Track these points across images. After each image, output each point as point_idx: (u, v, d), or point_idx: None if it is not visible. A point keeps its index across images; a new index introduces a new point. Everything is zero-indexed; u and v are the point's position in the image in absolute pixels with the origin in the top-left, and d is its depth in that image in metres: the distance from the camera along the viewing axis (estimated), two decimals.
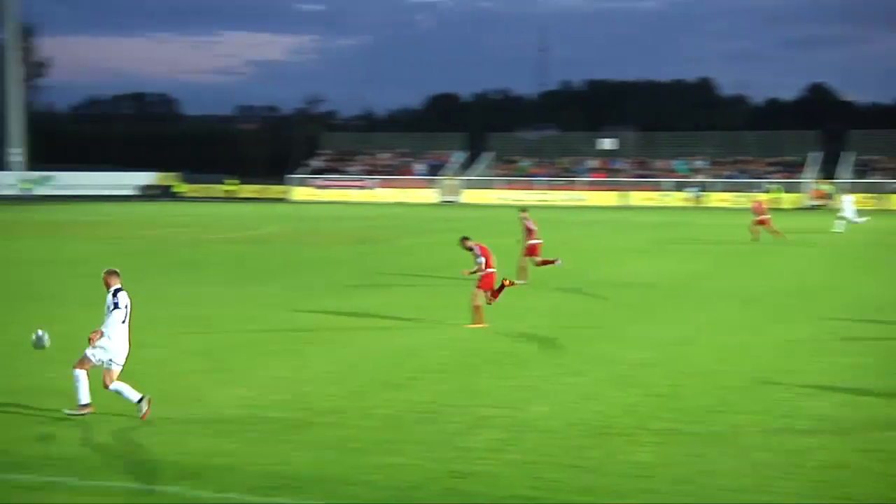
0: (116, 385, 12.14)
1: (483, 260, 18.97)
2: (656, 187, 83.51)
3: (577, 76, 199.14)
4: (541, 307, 22.04)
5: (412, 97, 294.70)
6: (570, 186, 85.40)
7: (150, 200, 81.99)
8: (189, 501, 9.36)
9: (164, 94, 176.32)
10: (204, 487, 9.66)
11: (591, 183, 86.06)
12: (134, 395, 12.10)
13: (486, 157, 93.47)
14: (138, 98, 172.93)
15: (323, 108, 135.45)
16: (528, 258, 26.26)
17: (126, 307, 12.14)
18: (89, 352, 12.12)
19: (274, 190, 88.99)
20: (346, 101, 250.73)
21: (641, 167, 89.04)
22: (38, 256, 32.74)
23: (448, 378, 14.61)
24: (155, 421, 12.00)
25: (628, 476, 10.14)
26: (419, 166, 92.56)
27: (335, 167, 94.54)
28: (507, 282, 19.71)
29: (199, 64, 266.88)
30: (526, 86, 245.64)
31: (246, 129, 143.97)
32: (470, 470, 10.30)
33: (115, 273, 12.45)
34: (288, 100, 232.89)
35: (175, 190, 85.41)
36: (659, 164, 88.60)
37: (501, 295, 19.41)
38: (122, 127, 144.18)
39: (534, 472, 10.27)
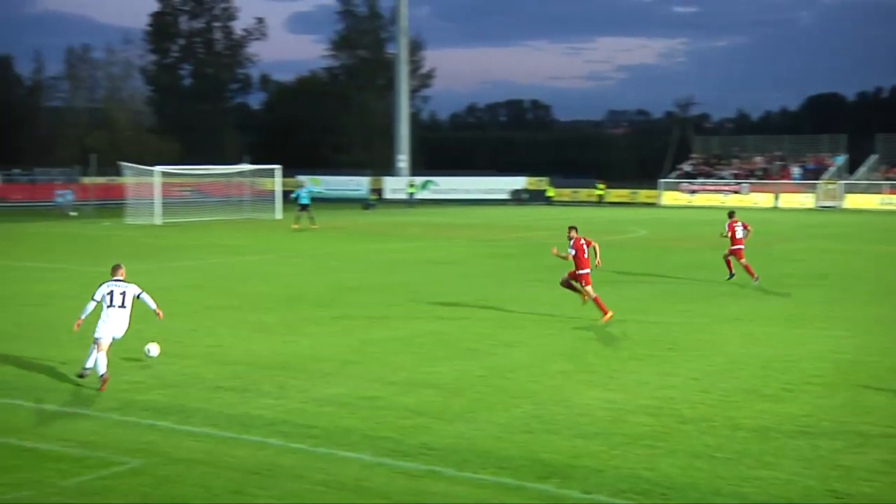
0: (100, 355, 13.84)
1: (572, 252, 19.93)
2: None
3: None
4: None
5: (789, 98, 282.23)
6: None
7: (522, 204, 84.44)
8: (556, 500, 9.43)
9: (537, 100, 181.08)
10: (570, 487, 9.70)
11: None
12: (102, 369, 13.74)
13: (871, 160, 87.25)
14: (513, 105, 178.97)
15: (694, 111, 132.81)
16: (732, 257, 26.91)
17: (106, 294, 14.38)
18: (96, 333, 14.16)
19: (643, 194, 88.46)
20: (717, 103, 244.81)
21: None
22: (420, 257, 34.68)
23: (828, 392, 13.70)
24: (523, 419, 12.24)
25: None
26: (795, 170, 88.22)
27: (706, 171, 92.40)
28: (584, 298, 20.41)
29: (571, 70, 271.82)
30: None
31: (616, 134, 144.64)
32: (853, 491, 9.56)
33: (118, 267, 14.94)
34: (658, 103, 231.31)
35: (548, 194, 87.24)
36: None
37: (575, 291, 20.51)
38: (497, 133, 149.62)
39: None
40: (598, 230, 49.92)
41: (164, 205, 55.68)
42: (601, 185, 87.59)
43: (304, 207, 49.50)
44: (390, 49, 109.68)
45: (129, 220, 53.36)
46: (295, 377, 14.46)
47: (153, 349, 15.38)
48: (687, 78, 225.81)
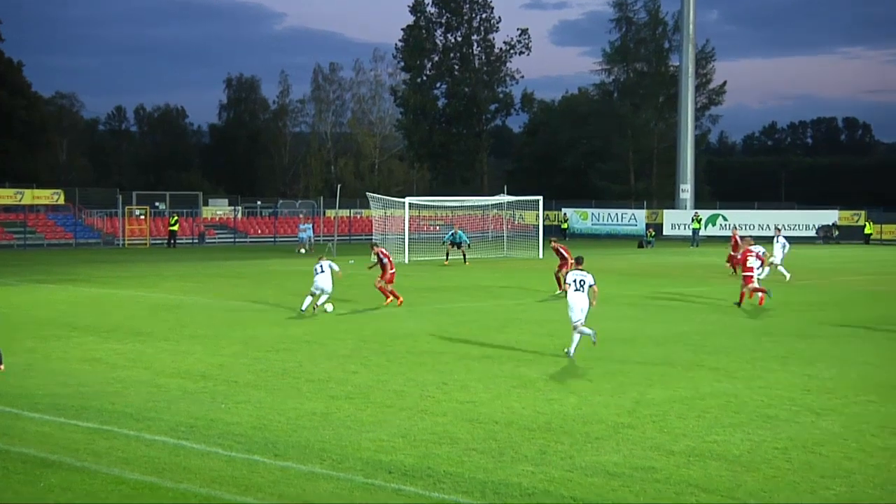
0: (307, 299, 29.17)
1: (386, 261, 33.15)
2: None
3: None
4: None
5: None
6: None
7: (832, 243, 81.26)
8: None
9: (853, 118, 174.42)
10: None
11: None
12: (304, 306, 30.11)
13: None
14: (821, 124, 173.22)
15: None
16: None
17: (316, 267, 29.88)
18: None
19: None
20: None
21: None
22: (706, 304, 34.00)
23: None
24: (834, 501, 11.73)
25: None
26: None
27: None
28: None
29: None
30: None
31: None
32: None
33: (322, 257, 30.89)
34: None
35: (867, 231, 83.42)
36: None
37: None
38: (801, 157, 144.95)
39: None
40: None
41: (413, 241, 57.50)
42: None
43: (458, 245, 54.16)
44: (674, 61, 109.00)
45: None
46: (559, 441, 14.50)
47: (328, 307, 29.82)
48: None
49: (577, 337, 21.94)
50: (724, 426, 15.46)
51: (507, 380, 19.30)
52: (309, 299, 29.95)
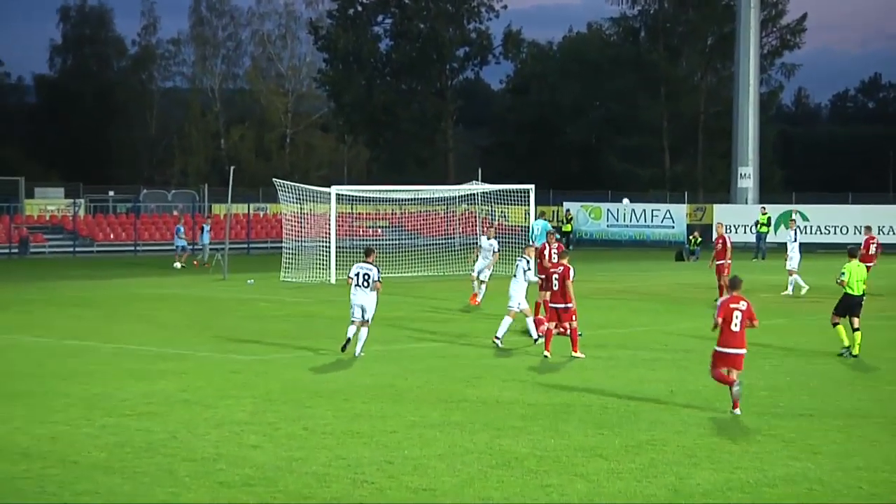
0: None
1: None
2: None
3: None
4: None
5: None
6: None
7: None
8: None
9: None
10: None
11: None
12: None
13: None
14: None
15: None
16: None
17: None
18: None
19: None
20: None
21: None
22: (775, 343, 34.14)
23: None
24: None
25: None
26: None
27: None
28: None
29: None
30: None
31: None
32: None
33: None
34: None
35: None
36: None
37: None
38: None
39: None
40: None
41: (343, 250, 57.24)
42: None
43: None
44: None
45: (285, 276, 55.13)
46: None
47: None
48: None
49: (354, 332, 29.07)
50: None
51: (483, 456, 19.22)
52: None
